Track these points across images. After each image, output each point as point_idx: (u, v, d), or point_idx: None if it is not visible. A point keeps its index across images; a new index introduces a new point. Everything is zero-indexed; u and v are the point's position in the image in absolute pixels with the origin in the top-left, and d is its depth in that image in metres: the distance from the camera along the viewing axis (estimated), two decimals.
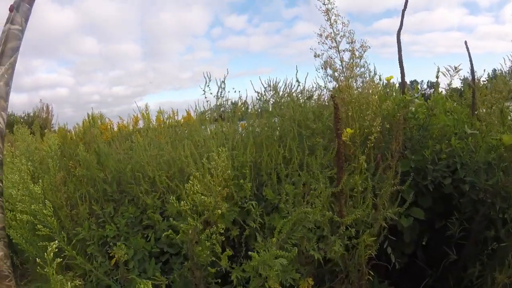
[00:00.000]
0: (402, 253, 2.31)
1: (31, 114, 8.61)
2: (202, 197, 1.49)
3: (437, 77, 2.36)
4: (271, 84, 2.54)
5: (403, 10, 2.14)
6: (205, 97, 2.48)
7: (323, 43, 2.08)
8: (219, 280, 1.79)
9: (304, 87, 2.44)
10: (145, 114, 3.90)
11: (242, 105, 2.73)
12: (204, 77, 2.40)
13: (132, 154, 2.93)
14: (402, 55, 2.24)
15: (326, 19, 2.04)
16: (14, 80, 1.66)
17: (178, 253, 2.13)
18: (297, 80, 2.29)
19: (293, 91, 2.44)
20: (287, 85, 2.51)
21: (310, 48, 2.12)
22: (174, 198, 1.62)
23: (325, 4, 2.04)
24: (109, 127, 4.16)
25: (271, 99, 2.66)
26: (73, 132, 3.96)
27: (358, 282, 1.90)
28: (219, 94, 2.68)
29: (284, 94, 2.59)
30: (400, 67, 2.25)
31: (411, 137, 2.24)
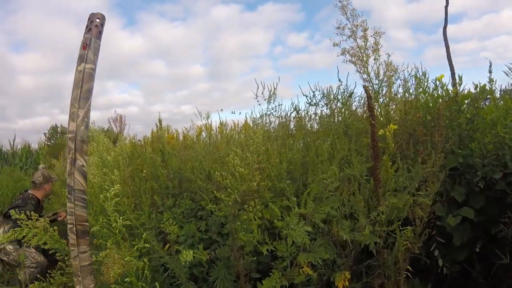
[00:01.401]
0: (453, 260, 2.21)
1: (105, 128, 9.27)
2: (240, 168, 1.59)
3: (490, 71, 2.26)
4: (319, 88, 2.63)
5: (446, 7, 2.14)
6: (257, 101, 2.62)
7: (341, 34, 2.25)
8: (255, 258, 1.92)
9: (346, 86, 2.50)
10: (208, 125, 4.20)
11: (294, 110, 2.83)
12: (256, 82, 2.55)
13: (192, 154, 3.21)
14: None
15: (342, 13, 2.24)
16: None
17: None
18: (339, 80, 2.35)
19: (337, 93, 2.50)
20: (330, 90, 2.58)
21: (329, 39, 2.40)
22: (218, 173, 1.74)
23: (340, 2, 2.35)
24: (175, 136, 4.52)
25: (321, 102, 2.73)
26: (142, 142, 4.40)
27: (395, 277, 1.88)
28: (271, 99, 2.80)
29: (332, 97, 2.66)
30: (449, 63, 2.24)
31: (460, 132, 2.18)
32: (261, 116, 2.70)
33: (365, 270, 2.01)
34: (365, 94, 1.90)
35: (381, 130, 1.95)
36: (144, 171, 3.15)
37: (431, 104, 2.20)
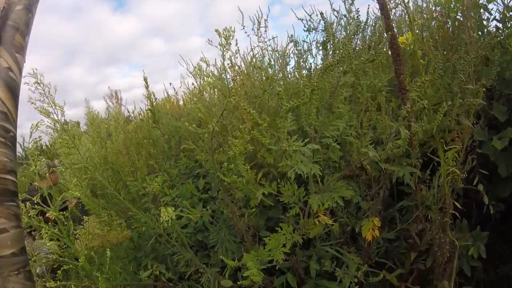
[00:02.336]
0: (497, 197, 1.80)
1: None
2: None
3: None
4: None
5: None
6: (245, 32, 2.16)
7: None
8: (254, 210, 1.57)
9: None
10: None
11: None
12: (240, 11, 2.10)
13: (188, 110, 2.91)
14: None
15: None
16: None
17: None
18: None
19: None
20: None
21: None
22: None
23: None
24: (173, 100, 4.16)
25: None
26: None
27: (440, 220, 1.49)
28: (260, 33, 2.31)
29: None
30: None
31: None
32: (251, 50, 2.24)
33: (398, 215, 1.62)
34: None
35: (401, 38, 1.51)
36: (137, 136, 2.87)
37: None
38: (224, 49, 1.19)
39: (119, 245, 1.91)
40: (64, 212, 2.07)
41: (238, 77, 1.82)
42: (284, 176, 1.43)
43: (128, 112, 3.72)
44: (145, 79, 2.66)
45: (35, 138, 1.52)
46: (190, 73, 2.36)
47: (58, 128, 1.72)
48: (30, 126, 1.51)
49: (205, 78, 1.90)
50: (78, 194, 1.97)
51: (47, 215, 3.56)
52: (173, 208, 1.35)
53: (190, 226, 1.98)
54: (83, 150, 2.46)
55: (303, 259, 1.69)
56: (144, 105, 3.12)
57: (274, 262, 1.64)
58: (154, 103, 2.75)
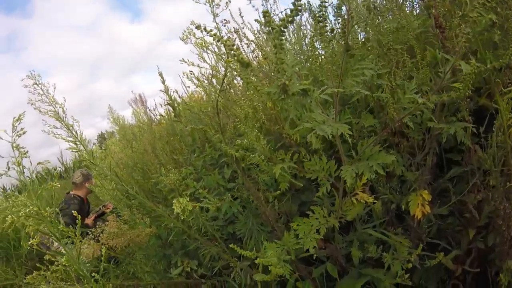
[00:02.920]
0: None
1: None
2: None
3: None
4: None
5: None
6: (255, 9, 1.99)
7: None
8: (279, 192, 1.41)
9: None
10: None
11: None
12: None
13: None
14: None
15: None
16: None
17: None
18: None
19: None
20: None
21: None
22: None
23: None
24: (197, 96, 4.10)
25: None
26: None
27: (503, 187, 1.25)
28: None
29: None
30: None
31: None
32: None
33: (450, 185, 1.39)
34: None
35: None
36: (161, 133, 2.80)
37: None
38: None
39: (146, 244, 1.81)
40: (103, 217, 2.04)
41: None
42: (316, 152, 1.26)
43: (152, 113, 3.68)
44: (160, 74, 2.56)
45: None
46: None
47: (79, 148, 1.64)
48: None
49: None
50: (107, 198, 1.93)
51: (85, 221, 3.62)
52: (187, 199, 1.21)
53: (220, 218, 1.85)
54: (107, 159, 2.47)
55: (343, 245, 1.51)
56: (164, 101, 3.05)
57: (310, 251, 1.48)
58: (172, 97, 2.66)
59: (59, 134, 1.56)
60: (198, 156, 2.29)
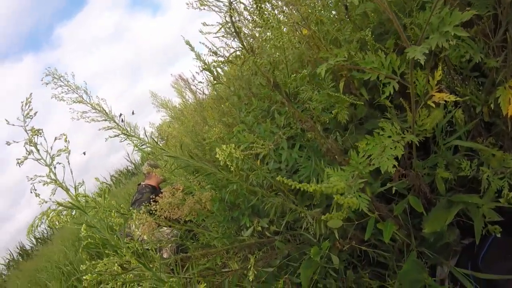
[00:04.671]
0: None
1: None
2: None
3: None
4: None
5: None
6: None
7: None
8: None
9: None
10: None
11: None
12: None
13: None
14: None
15: None
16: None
17: None
18: None
19: None
20: None
21: None
22: None
23: None
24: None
25: None
26: None
27: None
28: None
29: None
30: None
31: None
32: None
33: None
34: None
35: None
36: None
37: None
38: None
39: (212, 211, 1.73)
40: None
41: None
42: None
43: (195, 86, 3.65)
44: (187, 42, 2.43)
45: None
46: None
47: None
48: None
49: None
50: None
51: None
52: (233, 145, 1.06)
53: (283, 169, 1.70)
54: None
55: (426, 171, 1.27)
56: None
57: (387, 184, 1.27)
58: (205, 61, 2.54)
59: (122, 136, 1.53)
60: (247, 112, 2.14)
